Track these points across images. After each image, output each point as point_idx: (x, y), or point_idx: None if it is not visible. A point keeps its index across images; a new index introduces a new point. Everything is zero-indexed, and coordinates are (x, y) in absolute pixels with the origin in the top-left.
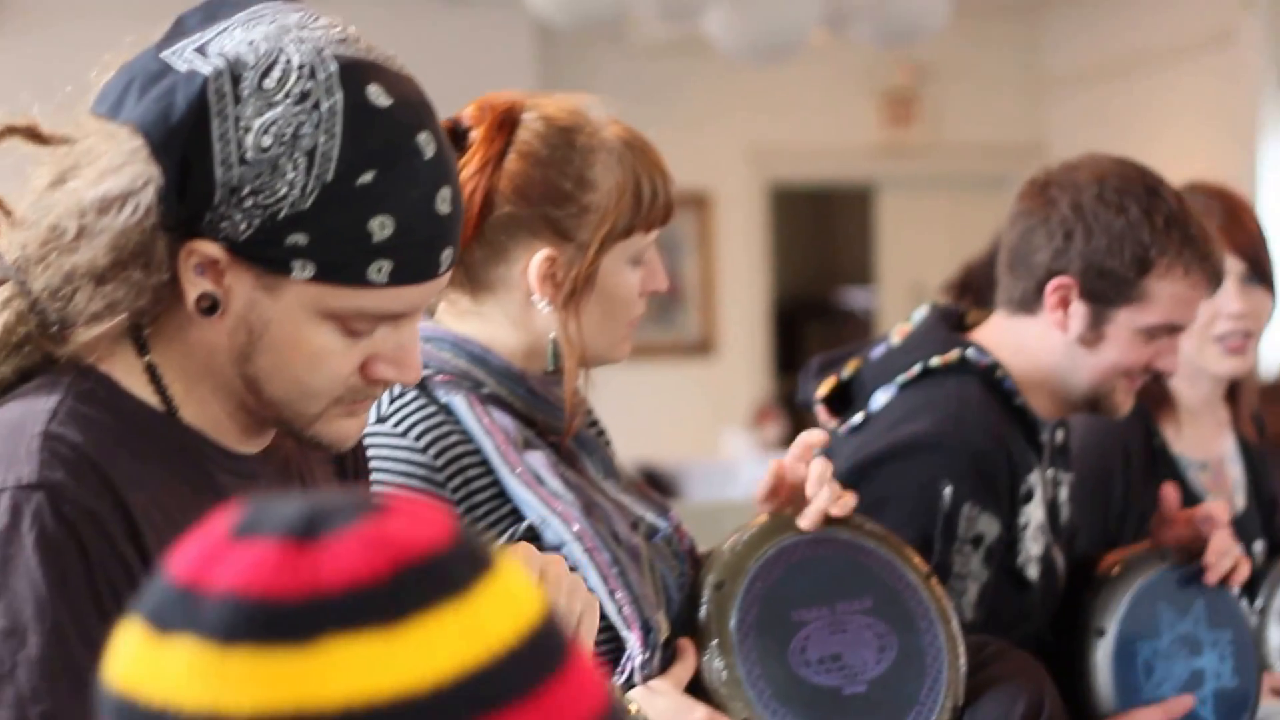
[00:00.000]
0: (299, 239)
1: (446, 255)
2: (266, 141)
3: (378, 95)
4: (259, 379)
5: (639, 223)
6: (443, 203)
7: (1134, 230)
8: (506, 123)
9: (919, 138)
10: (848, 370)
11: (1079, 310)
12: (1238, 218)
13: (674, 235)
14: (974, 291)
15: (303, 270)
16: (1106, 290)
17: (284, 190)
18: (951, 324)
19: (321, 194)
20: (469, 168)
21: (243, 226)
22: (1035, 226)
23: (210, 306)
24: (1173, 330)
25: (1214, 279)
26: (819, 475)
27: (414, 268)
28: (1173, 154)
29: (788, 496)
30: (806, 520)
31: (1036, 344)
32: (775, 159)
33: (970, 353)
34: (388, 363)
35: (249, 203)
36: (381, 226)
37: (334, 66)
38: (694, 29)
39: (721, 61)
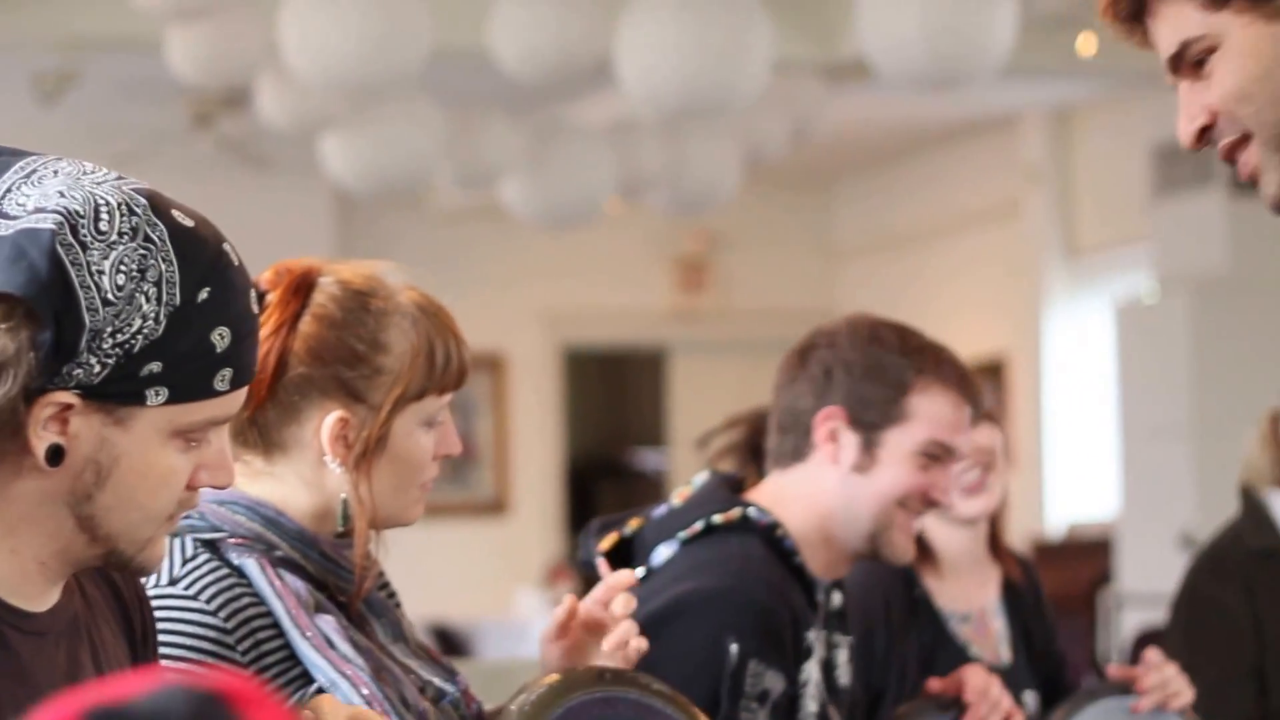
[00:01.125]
0: (154, 367)
1: (258, 352)
2: (121, 280)
3: (182, 218)
4: (97, 516)
5: (432, 386)
6: (253, 303)
7: (889, 355)
8: (303, 286)
9: (711, 303)
10: (630, 527)
11: (849, 439)
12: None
13: (468, 396)
14: (755, 458)
15: (156, 397)
16: (872, 414)
17: (138, 324)
18: (731, 488)
19: (170, 319)
20: (264, 329)
21: (97, 369)
22: (796, 379)
23: (55, 455)
24: (944, 452)
25: (972, 398)
26: (624, 606)
27: (245, 370)
28: (959, 322)
29: (575, 638)
30: (610, 642)
31: (813, 488)
32: (570, 322)
33: (751, 512)
34: (209, 469)
35: (108, 344)
36: (221, 337)
37: (143, 200)
38: (491, 196)
39: (518, 227)
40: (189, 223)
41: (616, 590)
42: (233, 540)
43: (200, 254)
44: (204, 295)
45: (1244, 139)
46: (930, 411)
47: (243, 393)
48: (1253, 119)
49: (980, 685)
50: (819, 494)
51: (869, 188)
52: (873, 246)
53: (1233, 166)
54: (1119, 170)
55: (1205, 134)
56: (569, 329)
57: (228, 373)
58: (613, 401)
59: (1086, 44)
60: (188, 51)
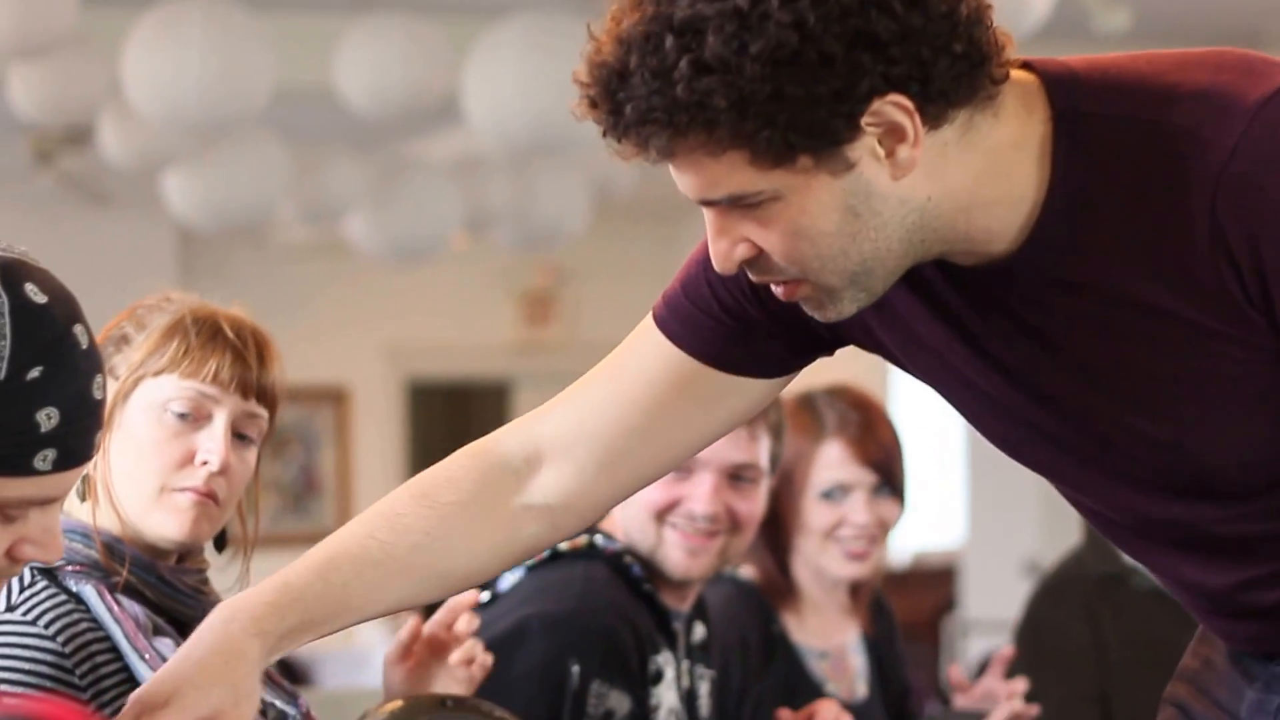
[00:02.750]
0: None
1: (99, 438)
2: None
3: (34, 293)
4: None
5: (173, 366)
6: (97, 389)
7: None
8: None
9: (556, 336)
10: None
11: None
12: (873, 428)
13: (312, 428)
14: None
15: None
16: None
17: None
18: None
19: None
20: None
21: None
22: None
23: None
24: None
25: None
26: (467, 624)
27: (75, 454)
28: None
29: (419, 660)
30: (456, 657)
31: (622, 522)
32: (414, 356)
33: (598, 539)
34: (34, 544)
35: None
36: (48, 418)
37: None
38: (336, 232)
39: (363, 263)
40: (40, 299)
41: (459, 611)
42: (70, 567)
43: (41, 332)
44: (34, 374)
45: (799, 280)
46: None
47: (74, 474)
48: (822, 271)
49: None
50: (624, 525)
51: None
52: None
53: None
54: None
55: (747, 262)
56: (414, 362)
57: (50, 454)
58: (457, 434)
59: None
60: (29, 88)
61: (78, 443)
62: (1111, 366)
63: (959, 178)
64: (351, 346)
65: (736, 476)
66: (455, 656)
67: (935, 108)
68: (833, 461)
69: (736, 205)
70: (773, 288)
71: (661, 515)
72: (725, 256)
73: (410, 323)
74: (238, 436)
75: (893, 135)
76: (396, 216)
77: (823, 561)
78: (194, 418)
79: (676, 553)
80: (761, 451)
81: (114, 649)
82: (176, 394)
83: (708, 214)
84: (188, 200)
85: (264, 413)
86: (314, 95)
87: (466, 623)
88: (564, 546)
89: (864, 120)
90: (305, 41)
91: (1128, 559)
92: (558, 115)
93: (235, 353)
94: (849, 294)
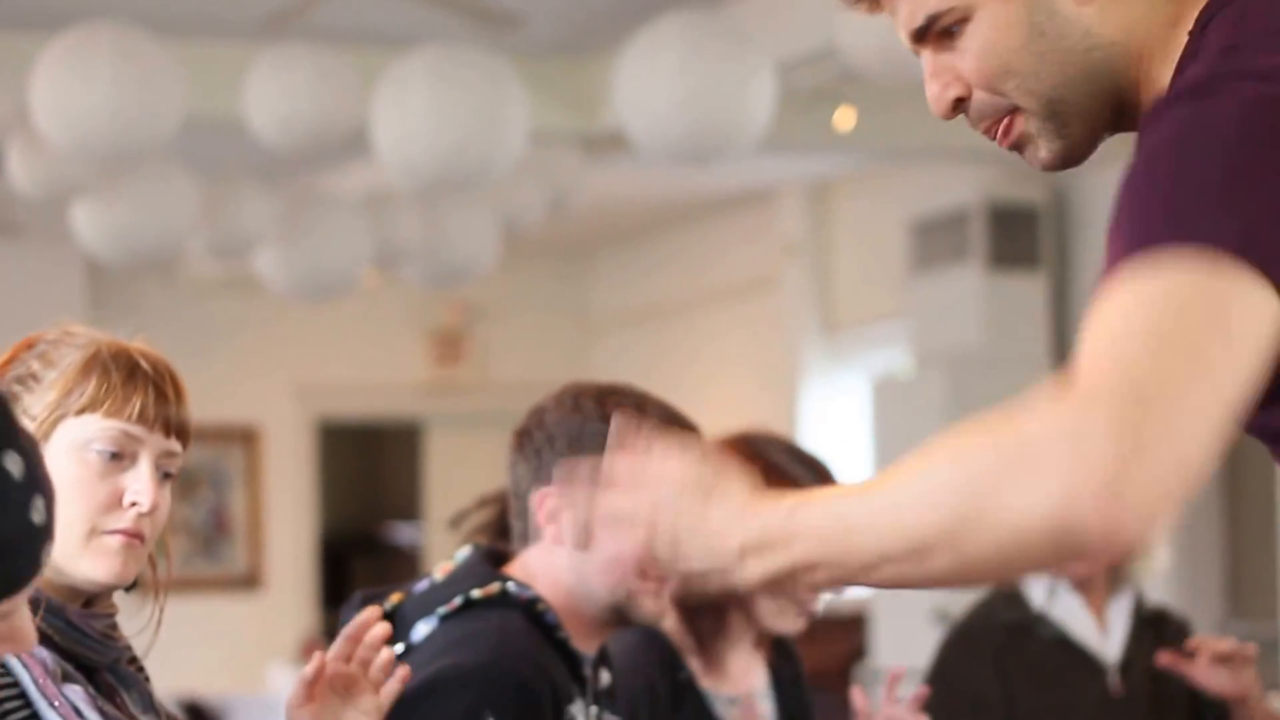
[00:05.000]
0: None
1: (47, 550)
2: None
3: None
4: None
5: (93, 405)
6: (37, 513)
7: (590, 422)
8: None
9: (467, 376)
10: (391, 602)
11: (566, 516)
12: (827, 479)
13: (221, 469)
14: (505, 536)
15: None
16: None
17: None
18: (494, 562)
19: None
20: None
21: None
22: (517, 462)
23: None
24: None
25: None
26: (379, 636)
27: (17, 578)
28: (716, 395)
29: (323, 701)
30: (375, 667)
31: (549, 570)
32: (325, 395)
33: (511, 587)
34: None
35: None
36: None
37: None
38: (245, 267)
39: (272, 299)
40: None
41: (357, 638)
42: None
43: None
44: None
45: (1006, 115)
46: None
47: (27, 592)
48: (1017, 92)
49: None
50: (556, 573)
51: (627, 260)
52: (631, 319)
53: (991, 139)
54: (876, 245)
55: (960, 104)
56: (324, 401)
57: None
58: (368, 475)
59: (844, 118)
60: None
61: (20, 566)
62: None
63: (1146, 24)
64: (262, 385)
65: None
66: (374, 667)
67: None
68: None
69: (938, 37)
70: (997, 140)
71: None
72: (939, 99)
73: (321, 361)
74: (159, 475)
75: None
76: (306, 252)
77: (775, 620)
78: (119, 457)
79: (649, 600)
80: None
81: (23, 695)
82: (100, 433)
83: (923, 61)
84: (96, 232)
85: (181, 450)
86: (224, 126)
87: (376, 638)
88: (477, 594)
89: None
90: (214, 70)
91: (1035, 607)
92: (466, 149)
93: (157, 389)
94: (1050, 128)
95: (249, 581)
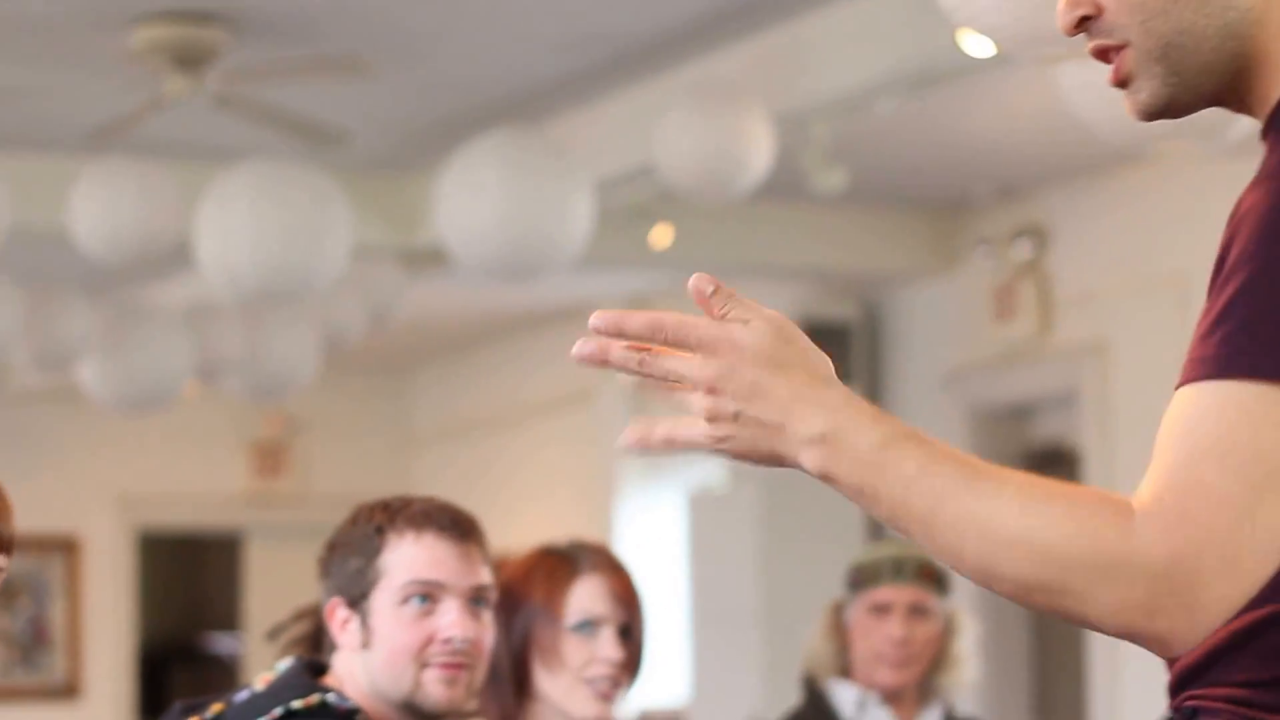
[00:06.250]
0: None
1: None
2: None
3: None
4: None
5: None
6: None
7: (364, 528)
8: None
9: (288, 487)
10: (212, 711)
11: (351, 622)
12: (620, 570)
13: (41, 578)
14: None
15: None
16: (357, 589)
17: None
18: (314, 673)
19: None
20: None
21: None
22: (321, 579)
23: None
24: (432, 589)
25: (456, 529)
26: None
27: None
28: (533, 509)
29: None
30: None
31: (351, 678)
32: (145, 505)
33: (331, 698)
34: None
35: None
36: None
37: None
38: (67, 377)
39: (94, 409)
40: None
41: None
42: None
43: None
44: None
45: (1120, 46)
46: (401, 558)
47: None
48: (1138, 29)
49: None
50: (356, 679)
51: (447, 374)
52: (450, 432)
53: (1105, 64)
54: None
55: (1084, 24)
56: (145, 512)
57: None
58: (188, 585)
59: (661, 236)
60: None
61: None
62: None
63: None
64: (82, 495)
65: (476, 600)
66: None
67: None
68: (585, 596)
69: None
70: (1109, 75)
71: (419, 655)
72: (1065, 14)
73: (142, 471)
74: None
75: None
76: (128, 363)
77: (569, 703)
78: None
79: (437, 687)
80: (489, 573)
81: None
82: None
83: None
84: None
85: (5, 563)
86: (47, 237)
87: None
88: (298, 705)
89: None
90: (39, 182)
91: (845, 718)
92: (288, 262)
93: None
94: (1160, 70)
95: (68, 691)
